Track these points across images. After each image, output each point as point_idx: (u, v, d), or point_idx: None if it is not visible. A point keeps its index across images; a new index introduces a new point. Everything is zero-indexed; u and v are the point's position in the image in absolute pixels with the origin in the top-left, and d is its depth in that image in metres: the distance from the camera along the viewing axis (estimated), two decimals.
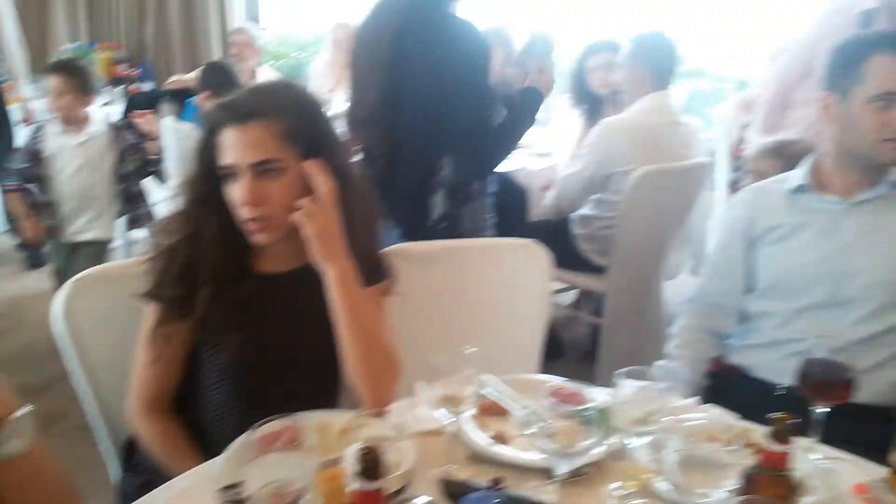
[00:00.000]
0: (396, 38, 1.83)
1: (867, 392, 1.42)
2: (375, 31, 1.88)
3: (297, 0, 6.31)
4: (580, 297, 3.30)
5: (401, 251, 1.52)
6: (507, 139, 1.94)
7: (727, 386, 1.62)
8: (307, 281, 1.21)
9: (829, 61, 1.55)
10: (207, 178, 1.20)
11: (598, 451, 1.00)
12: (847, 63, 1.50)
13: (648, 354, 1.71)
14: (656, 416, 1.05)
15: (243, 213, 1.17)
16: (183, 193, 1.24)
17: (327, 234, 1.17)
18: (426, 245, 1.56)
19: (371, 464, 0.75)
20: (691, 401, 1.25)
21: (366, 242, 1.26)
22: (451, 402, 1.09)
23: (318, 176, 1.17)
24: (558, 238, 2.68)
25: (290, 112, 1.17)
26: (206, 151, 1.19)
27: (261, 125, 1.15)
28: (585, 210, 2.64)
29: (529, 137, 3.42)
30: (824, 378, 1.09)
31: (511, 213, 2.36)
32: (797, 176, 1.60)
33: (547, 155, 3.29)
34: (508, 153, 1.98)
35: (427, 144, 1.87)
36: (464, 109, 1.82)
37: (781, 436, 0.82)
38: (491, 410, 1.19)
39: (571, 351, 3.06)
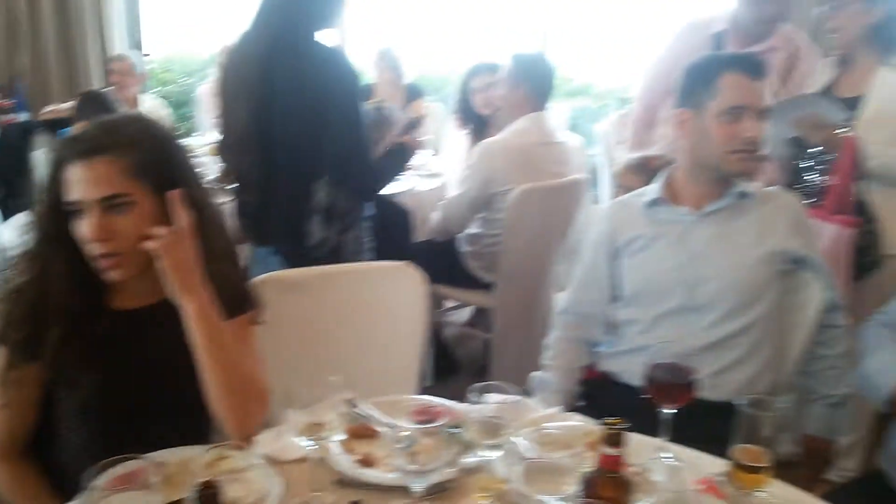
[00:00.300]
0: (264, 65, 1.84)
1: (721, 390, 1.53)
2: (242, 59, 1.88)
3: (183, 23, 6.17)
4: (476, 313, 3.36)
5: (273, 279, 1.52)
6: (383, 170, 1.98)
7: (599, 392, 1.69)
8: (165, 316, 1.19)
9: (684, 79, 1.67)
10: (55, 214, 1.17)
11: (454, 467, 1.03)
12: (700, 80, 1.61)
13: (539, 365, 1.77)
14: (511, 428, 1.09)
15: (92, 249, 1.15)
16: (31, 231, 1.20)
17: (184, 266, 1.16)
18: (298, 272, 1.56)
19: (209, 498, 0.74)
20: (553, 410, 1.30)
21: (226, 273, 1.25)
22: (317, 428, 1.09)
23: (176, 208, 1.16)
24: (447, 257, 2.75)
25: (137, 146, 1.16)
26: (53, 188, 1.16)
27: (107, 160, 1.13)
28: (472, 229, 2.70)
29: (418, 159, 3.50)
30: (668, 381, 1.16)
31: (393, 235, 2.39)
32: (653, 190, 1.70)
33: (436, 175, 3.34)
34: (389, 179, 2.02)
35: (300, 170, 1.88)
36: (335, 134, 1.84)
37: (613, 440, 0.87)
38: (359, 434, 1.21)
39: (467, 367, 3.10)
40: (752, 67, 1.56)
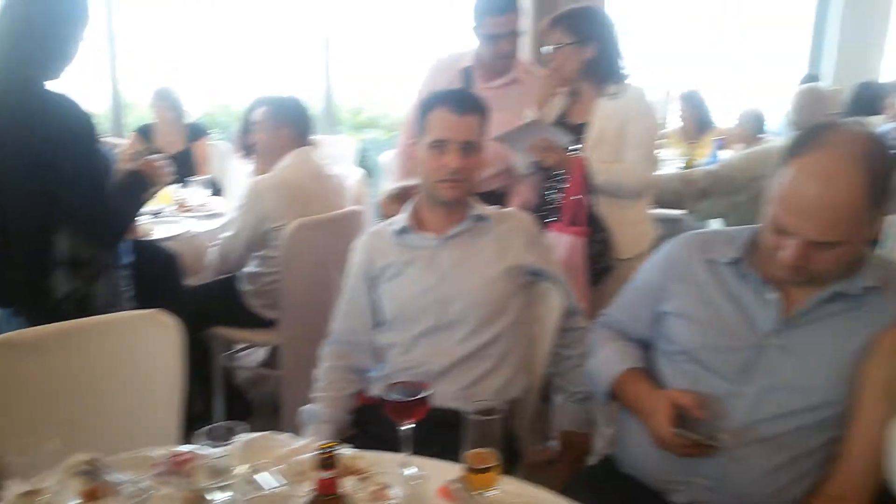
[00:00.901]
0: None
1: (478, 398, 1.63)
2: None
3: None
4: (270, 353, 3.31)
5: (5, 341, 1.42)
6: (121, 211, 1.91)
7: (369, 418, 1.74)
8: None
9: (413, 114, 1.80)
10: None
11: None
12: (420, 115, 1.75)
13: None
14: (251, 465, 1.10)
15: None
16: None
17: None
18: (32, 332, 1.47)
19: None
20: (304, 442, 1.32)
21: None
22: (33, 496, 1.04)
23: None
24: (227, 298, 2.69)
25: None
26: None
27: None
28: (251, 267, 2.67)
29: (197, 198, 3.41)
30: (402, 399, 1.23)
31: (158, 281, 2.31)
32: (401, 219, 1.80)
33: (217, 215, 3.27)
34: (129, 218, 1.95)
35: (36, 221, 1.78)
36: (69, 182, 1.76)
37: (326, 463, 0.92)
38: (94, 495, 1.15)
39: (263, 407, 3.05)
40: (457, 104, 1.71)
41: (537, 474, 1.73)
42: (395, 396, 1.23)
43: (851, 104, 5.01)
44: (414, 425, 1.25)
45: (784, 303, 1.35)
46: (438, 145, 1.69)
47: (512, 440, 1.75)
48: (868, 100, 5.03)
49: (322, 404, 1.74)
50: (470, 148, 1.70)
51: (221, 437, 1.06)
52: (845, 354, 1.29)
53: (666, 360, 1.47)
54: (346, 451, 1.26)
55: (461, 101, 1.73)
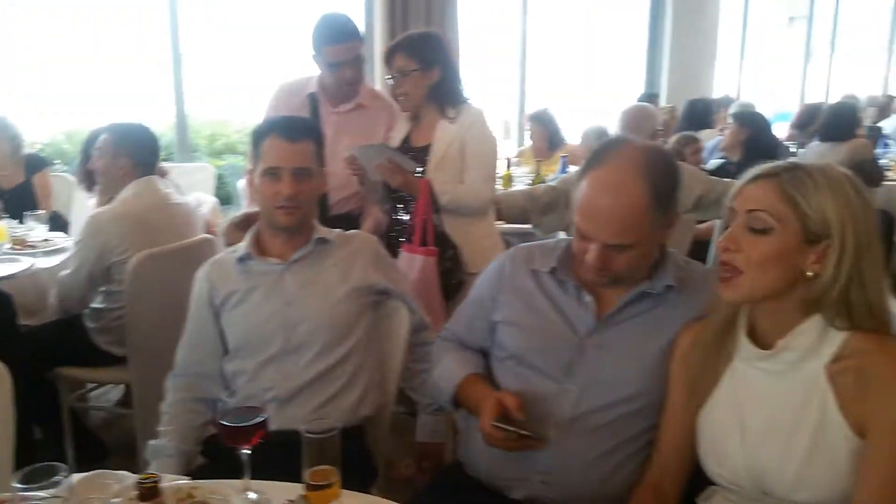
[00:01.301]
0: None
1: (331, 418, 1.64)
2: None
3: None
4: (126, 391, 3.17)
5: None
6: None
7: (220, 449, 1.72)
8: None
9: (249, 142, 1.82)
10: None
11: None
12: (254, 144, 1.78)
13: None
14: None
15: None
16: None
17: None
18: None
19: None
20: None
21: None
22: None
23: None
24: (72, 336, 2.57)
25: None
26: None
27: None
28: (95, 304, 2.56)
29: (38, 234, 3.22)
30: (237, 425, 1.24)
31: None
32: (243, 246, 1.80)
33: (62, 251, 3.10)
34: None
35: None
36: None
37: (147, 494, 0.92)
38: None
39: (121, 449, 2.91)
40: (288, 132, 1.74)
41: (401, 489, 1.78)
42: (229, 422, 1.24)
43: (683, 119, 5.47)
44: (250, 451, 1.26)
45: (598, 305, 1.47)
46: (272, 173, 1.71)
47: (367, 458, 1.79)
48: (699, 115, 5.52)
49: (167, 438, 1.71)
50: (303, 174, 1.73)
51: (39, 480, 1.03)
52: (653, 348, 1.42)
53: (500, 365, 1.56)
54: (182, 482, 1.25)
55: (292, 128, 1.76)
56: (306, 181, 1.73)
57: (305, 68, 2.68)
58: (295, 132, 1.74)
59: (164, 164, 2.91)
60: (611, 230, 1.35)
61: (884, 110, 7.13)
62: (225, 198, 4.77)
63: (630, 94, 6.53)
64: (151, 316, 2.49)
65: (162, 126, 4.85)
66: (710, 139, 4.95)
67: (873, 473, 1.12)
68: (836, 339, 1.19)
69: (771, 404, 1.23)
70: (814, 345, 1.20)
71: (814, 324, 1.20)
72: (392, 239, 2.49)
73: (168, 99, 4.91)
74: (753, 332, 1.28)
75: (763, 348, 1.25)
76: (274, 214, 1.73)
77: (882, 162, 5.18)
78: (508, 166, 4.38)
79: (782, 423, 1.21)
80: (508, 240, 2.73)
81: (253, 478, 1.27)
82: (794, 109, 6.94)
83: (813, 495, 1.18)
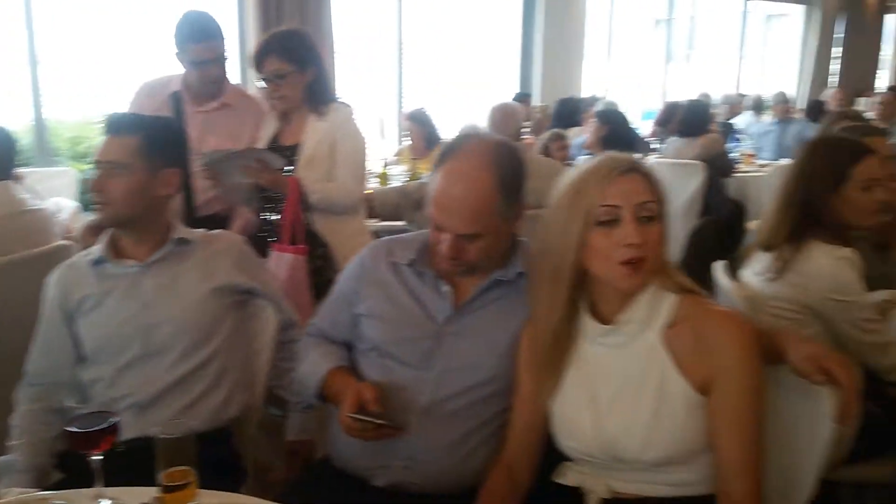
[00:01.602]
0: None
1: (194, 421, 1.62)
2: None
3: None
4: None
5: None
6: None
7: (76, 463, 1.66)
8: None
9: None
10: None
11: None
12: None
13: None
14: None
15: None
16: None
17: None
18: None
19: None
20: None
21: None
22: None
23: None
24: None
25: None
26: None
27: None
28: None
29: None
30: (84, 430, 1.21)
31: None
32: (98, 248, 1.74)
33: None
34: None
35: None
36: None
37: None
38: None
39: None
40: (109, 126, 1.70)
41: (272, 489, 1.77)
42: (77, 428, 1.21)
43: (554, 118, 5.70)
44: (102, 457, 1.23)
45: (456, 294, 1.54)
46: (95, 167, 1.68)
47: (236, 459, 1.77)
48: (568, 113, 5.77)
49: (18, 453, 1.63)
50: (110, 167, 1.66)
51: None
52: (506, 333, 1.50)
53: (362, 356, 1.60)
54: (29, 495, 1.21)
55: (115, 122, 1.70)
56: (116, 176, 1.66)
57: (171, 67, 2.61)
58: (114, 126, 1.69)
59: (20, 170, 2.75)
60: (461, 221, 1.42)
61: (736, 108, 7.69)
62: (90, 202, 4.52)
63: (506, 93, 6.72)
64: (4, 328, 2.35)
65: (19, 128, 4.54)
66: (578, 136, 5.18)
67: (726, 420, 1.26)
68: (668, 307, 1.32)
69: (617, 376, 1.34)
70: (649, 314, 1.31)
71: (647, 294, 1.32)
72: (261, 239, 2.46)
73: (26, 101, 4.62)
74: (595, 311, 1.37)
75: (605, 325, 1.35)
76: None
77: (733, 155, 5.60)
78: (385, 165, 4.42)
79: (628, 392, 1.32)
80: (382, 236, 2.75)
81: (112, 486, 1.24)
82: (658, 108, 7.36)
83: (660, 454, 1.29)
